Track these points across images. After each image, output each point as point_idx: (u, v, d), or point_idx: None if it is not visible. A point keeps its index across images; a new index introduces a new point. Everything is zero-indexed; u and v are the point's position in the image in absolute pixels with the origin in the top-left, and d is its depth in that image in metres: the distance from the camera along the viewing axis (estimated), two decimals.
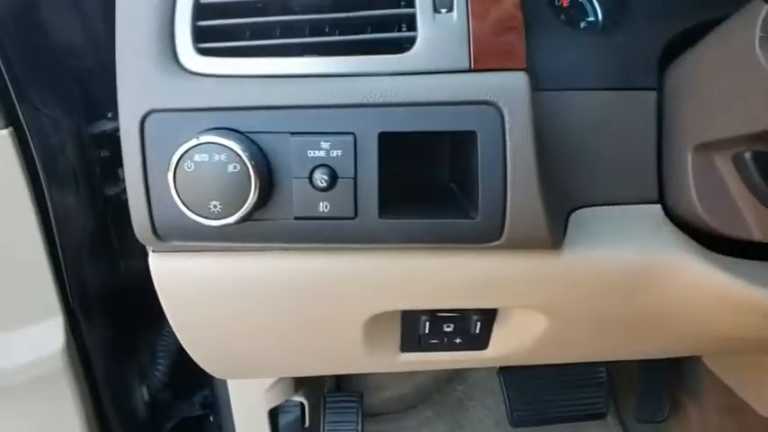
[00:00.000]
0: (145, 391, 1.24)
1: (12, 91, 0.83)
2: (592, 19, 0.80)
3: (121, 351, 1.20)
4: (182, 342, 0.80)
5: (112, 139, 1.05)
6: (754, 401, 1.26)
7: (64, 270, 0.94)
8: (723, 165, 0.66)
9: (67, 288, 0.96)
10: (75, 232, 0.97)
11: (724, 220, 0.68)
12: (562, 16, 0.79)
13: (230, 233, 0.64)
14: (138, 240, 1.19)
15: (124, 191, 1.08)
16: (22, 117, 0.84)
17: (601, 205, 0.73)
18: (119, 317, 1.17)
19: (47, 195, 0.88)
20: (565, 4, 0.80)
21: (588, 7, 0.80)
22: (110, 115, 1.06)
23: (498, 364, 0.91)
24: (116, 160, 1.07)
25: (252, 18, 0.64)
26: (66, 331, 0.97)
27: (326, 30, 0.66)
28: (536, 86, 0.66)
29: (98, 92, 1.05)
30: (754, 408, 1.26)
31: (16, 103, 0.83)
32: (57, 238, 0.91)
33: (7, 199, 0.86)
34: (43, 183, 0.87)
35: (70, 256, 0.95)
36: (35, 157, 0.86)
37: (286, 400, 1.24)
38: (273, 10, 0.65)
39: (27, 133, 0.85)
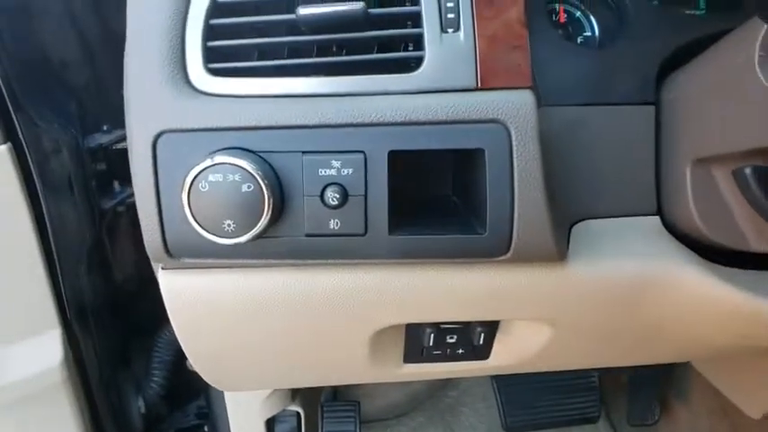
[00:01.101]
0: (141, 402, 1.24)
1: (10, 106, 0.83)
2: (588, 34, 0.82)
3: (117, 363, 1.20)
4: (189, 357, 0.80)
5: (108, 153, 1.05)
6: (743, 404, 1.27)
7: (61, 283, 0.94)
8: (722, 179, 0.68)
9: (65, 301, 0.96)
10: (71, 245, 0.98)
11: (722, 231, 0.69)
12: (560, 31, 0.80)
13: (242, 250, 0.64)
14: (132, 253, 1.20)
15: (120, 203, 1.09)
16: (20, 132, 0.84)
17: (601, 218, 0.74)
18: (115, 328, 1.18)
19: (44, 210, 0.89)
20: (562, 20, 0.82)
21: (585, 23, 0.82)
22: (105, 128, 1.06)
23: (498, 373, 0.91)
24: (112, 173, 1.07)
25: (261, 39, 0.65)
26: (63, 344, 0.98)
27: (334, 50, 0.67)
28: (539, 102, 0.67)
29: (93, 105, 1.05)
30: (743, 410, 1.27)
31: (14, 118, 0.84)
32: (54, 252, 0.92)
33: (5, 213, 0.86)
34: (41, 197, 0.88)
35: (67, 269, 0.96)
36: (33, 172, 0.86)
37: (283, 410, 1.24)
38: (281, 31, 0.65)
39: (25, 148, 0.85)
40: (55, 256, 0.92)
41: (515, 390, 1.62)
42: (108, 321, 1.13)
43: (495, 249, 0.67)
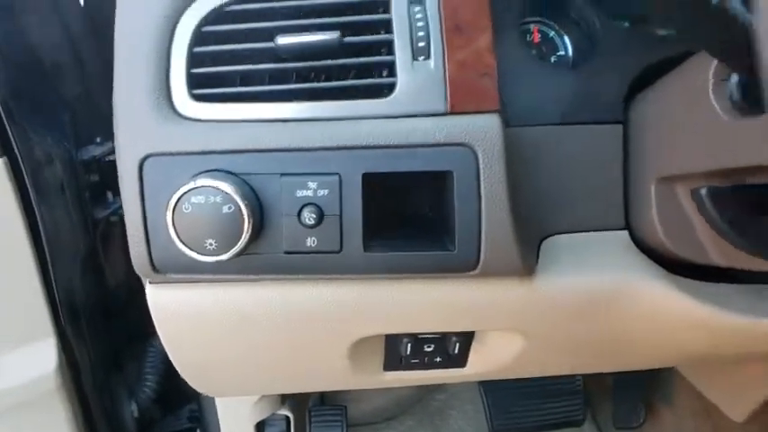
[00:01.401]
0: (134, 406, 1.26)
1: (5, 121, 0.84)
2: (562, 53, 0.84)
3: (111, 368, 1.21)
4: (176, 366, 0.82)
5: (101, 165, 1.07)
6: (727, 407, 1.28)
7: (55, 290, 0.96)
8: (684, 196, 0.70)
9: (59, 308, 0.97)
10: (66, 255, 0.99)
11: (685, 246, 0.72)
12: (533, 51, 0.83)
13: (225, 267, 0.67)
14: (125, 261, 1.21)
15: (112, 213, 1.11)
16: (15, 147, 0.86)
17: (570, 233, 0.77)
18: (108, 334, 1.18)
19: (39, 223, 0.90)
20: (536, 41, 0.84)
21: (558, 42, 0.84)
22: (98, 140, 1.07)
23: (476, 380, 0.94)
24: (105, 184, 1.09)
25: (242, 66, 0.68)
26: (58, 351, 0.99)
27: (312, 76, 0.69)
28: (508, 123, 0.69)
29: (85, 115, 1.06)
30: (727, 413, 1.28)
31: (10, 132, 0.85)
32: (48, 260, 0.93)
33: (1, 226, 0.88)
34: (36, 210, 0.89)
35: (61, 277, 0.97)
36: (28, 185, 0.87)
37: (272, 414, 1.26)
38: (262, 58, 0.68)
39: (20, 163, 0.86)
40: (49, 265, 0.93)
41: (502, 394, 1.64)
42: (101, 327, 1.14)
43: (464, 265, 0.69)
